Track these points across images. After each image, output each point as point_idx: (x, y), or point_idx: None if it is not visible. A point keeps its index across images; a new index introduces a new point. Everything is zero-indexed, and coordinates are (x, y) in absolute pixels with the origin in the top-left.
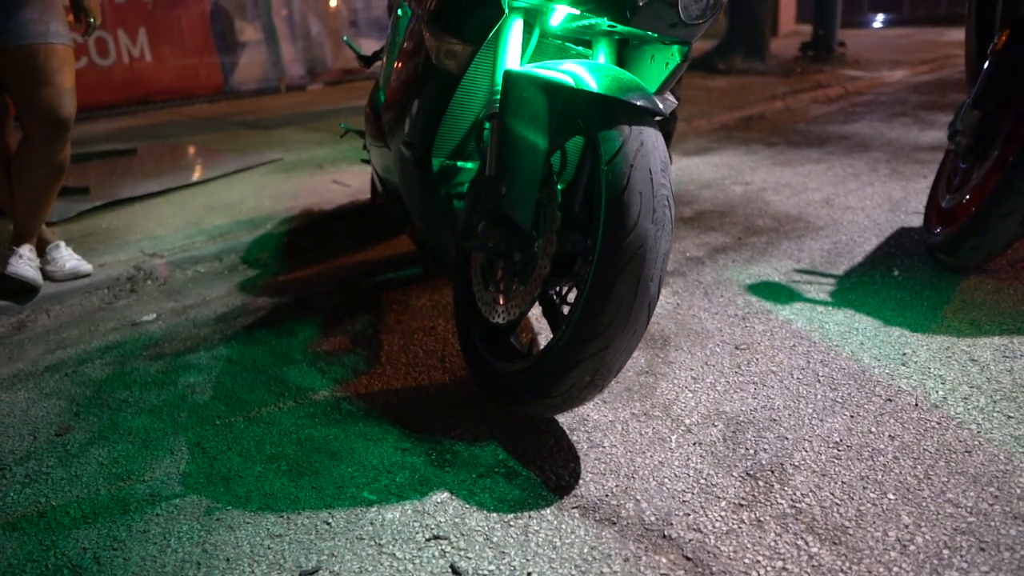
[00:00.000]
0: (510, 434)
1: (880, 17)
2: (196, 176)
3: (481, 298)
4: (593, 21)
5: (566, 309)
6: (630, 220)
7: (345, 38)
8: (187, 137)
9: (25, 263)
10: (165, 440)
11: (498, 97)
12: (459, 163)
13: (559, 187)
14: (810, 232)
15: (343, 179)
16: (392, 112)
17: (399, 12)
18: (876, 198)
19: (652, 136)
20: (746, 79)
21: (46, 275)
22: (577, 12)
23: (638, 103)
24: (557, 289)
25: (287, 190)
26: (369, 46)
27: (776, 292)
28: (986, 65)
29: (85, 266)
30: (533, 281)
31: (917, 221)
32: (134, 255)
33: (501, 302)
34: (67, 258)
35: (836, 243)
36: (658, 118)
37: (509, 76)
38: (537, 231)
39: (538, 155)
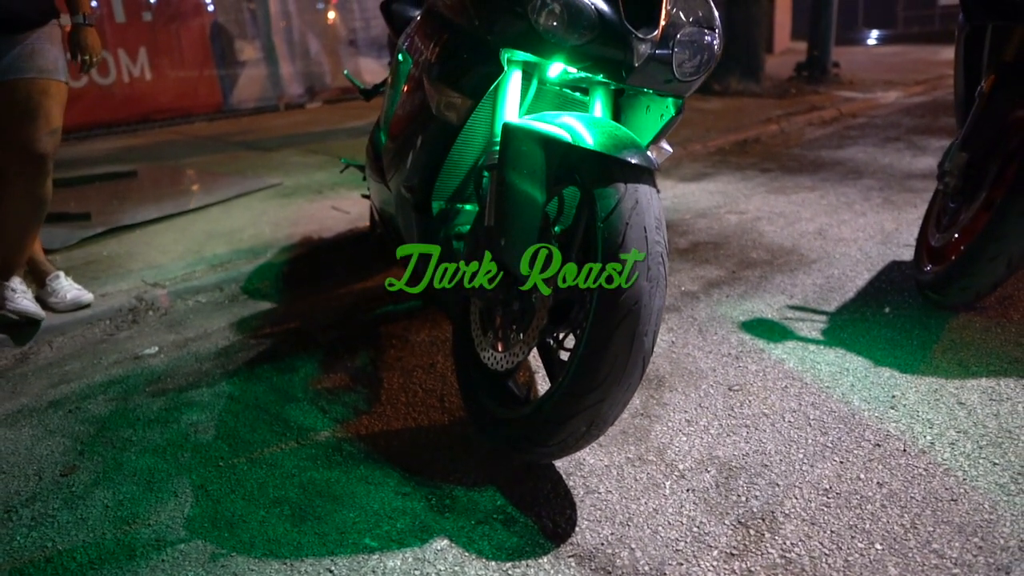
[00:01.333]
0: (508, 478)
1: (874, 34)
2: (196, 202)
3: (480, 344)
4: (589, 76)
5: (563, 354)
6: None
7: (345, 72)
8: (187, 159)
9: (20, 296)
10: (169, 482)
11: (497, 149)
12: (458, 205)
13: (556, 230)
14: (803, 266)
15: (342, 205)
16: (392, 154)
17: (400, 57)
18: (868, 229)
19: (647, 193)
20: (742, 101)
21: (48, 306)
22: (574, 70)
23: (633, 161)
24: (555, 335)
25: (287, 216)
26: (368, 66)
27: (769, 330)
28: (974, 108)
29: (86, 296)
30: (531, 332)
31: (908, 254)
32: (135, 284)
33: (499, 349)
34: (68, 288)
35: (828, 277)
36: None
37: (508, 129)
38: None
39: (536, 207)
